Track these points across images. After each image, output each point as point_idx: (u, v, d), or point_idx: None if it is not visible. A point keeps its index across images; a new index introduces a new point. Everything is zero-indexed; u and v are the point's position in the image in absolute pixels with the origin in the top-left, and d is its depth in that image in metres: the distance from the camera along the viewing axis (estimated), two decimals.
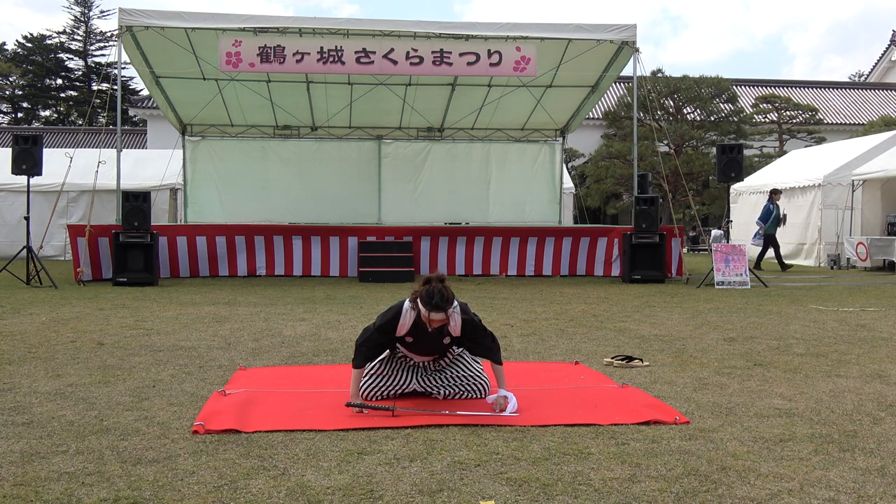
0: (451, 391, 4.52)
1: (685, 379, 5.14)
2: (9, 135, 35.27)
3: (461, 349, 4.60)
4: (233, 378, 5.06)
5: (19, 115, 49.41)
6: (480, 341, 4.43)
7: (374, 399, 4.42)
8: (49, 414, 4.14)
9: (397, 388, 4.51)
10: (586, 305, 9.51)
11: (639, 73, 13.99)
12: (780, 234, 18.98)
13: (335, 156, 18.15)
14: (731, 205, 21.37)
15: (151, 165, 19.54)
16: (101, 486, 3.07)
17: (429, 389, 4.53)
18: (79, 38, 49.62)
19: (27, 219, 12.28)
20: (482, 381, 4.56)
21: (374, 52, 12.62)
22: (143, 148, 30.48)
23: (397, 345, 4.45)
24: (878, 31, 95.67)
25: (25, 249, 11.98)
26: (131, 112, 34.78)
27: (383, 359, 4.54)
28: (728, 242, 19.09)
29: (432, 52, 12.71)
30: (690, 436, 3.78)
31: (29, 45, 48.25)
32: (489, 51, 12.79)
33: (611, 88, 34.12)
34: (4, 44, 49.22)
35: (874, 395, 4.68)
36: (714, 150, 21.48)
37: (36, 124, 47.28)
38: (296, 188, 17.79)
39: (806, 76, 78.64)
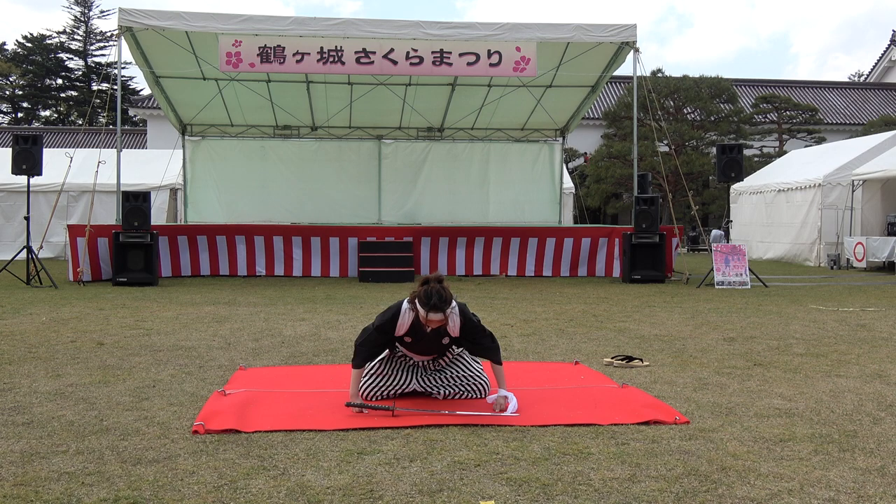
0: (451, 391, 4.52)
1: (685, 379, 5.14)
2: (9, 135, 35.27)
3: (461, 349, 4.60)
4: (233, 378, 5.06)
5: (19, 115, 49.41)
6: (480, 342, 4.43)
7: (374, 399, 4.42)
8: (49, 414, 4.14)
9: (397, 388, 4.51)
10: (586, 305, 9.50)
11: (639, 73, 13.99)
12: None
13: (335, 156, 18.14)
14: (731, 205, 21.38)
15: (151, 165, 19.54)
16: (101, 486, 3.07)
17: (429, 389, 4.52)
18: (79, 37, 49.63)
19: (27, 219, 12.28)
20: (482, 381, 4.56)
21: (374, 53, 12.61)
22: (143, 148, 30.48)
23: (396, 345, 4.46)
24: (884, 28, 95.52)
25: (25, 249, 11.99)
26: (131, 112, 34.77)
27: (383, 359, 4.54)
28: (728, 242, 19.10)
29: (432, 53, 12.71)
30: (690, 436, 3.78)
31: (29, 44, 48.24)
32: (489, 51, 12.78)
33: (611, 88, 34.12)
34: (4, 44, 49.30)
35: (874, 395, 4.68)
36: (714, 150, 21.47)
37: (36, 124, 47.27)
38: (296, 188, 17.79)
39: (811, 74, 78.51)
